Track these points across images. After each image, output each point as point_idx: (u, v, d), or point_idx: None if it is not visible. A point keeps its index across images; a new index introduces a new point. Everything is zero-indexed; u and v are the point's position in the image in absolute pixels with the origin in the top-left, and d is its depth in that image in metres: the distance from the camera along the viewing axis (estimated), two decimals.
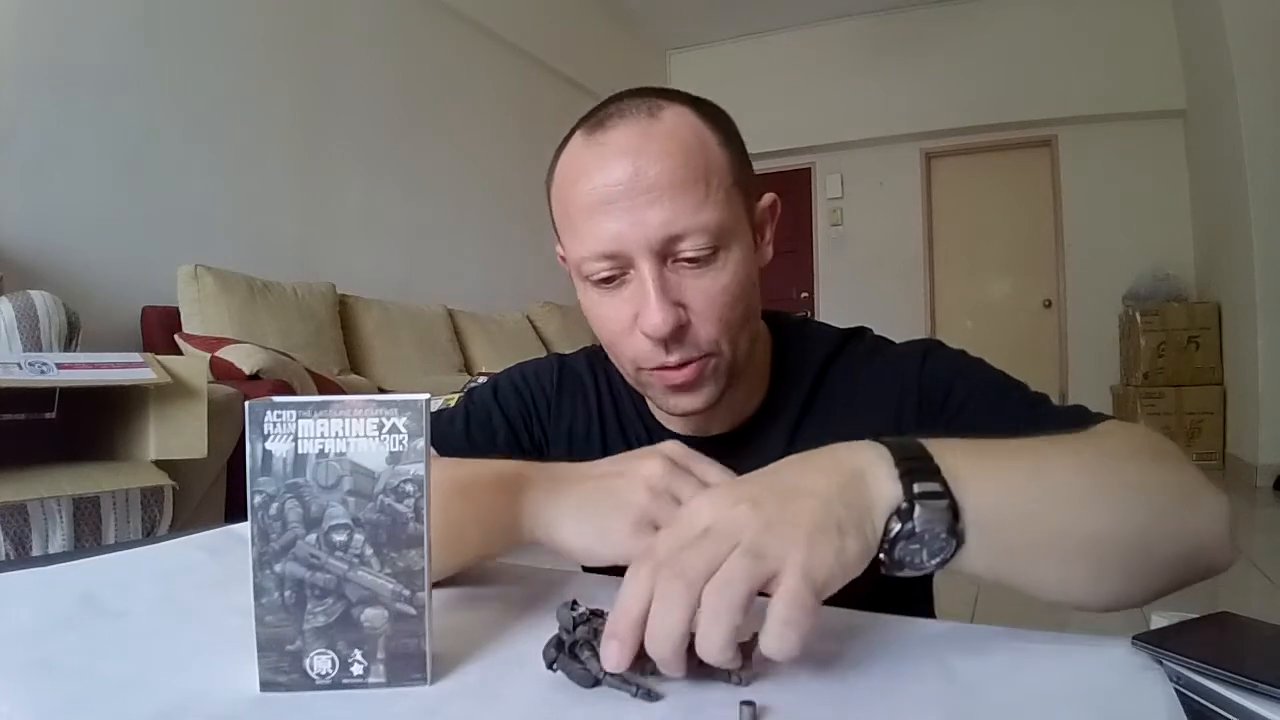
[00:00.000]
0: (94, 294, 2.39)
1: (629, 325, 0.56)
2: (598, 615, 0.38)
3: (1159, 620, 0.41)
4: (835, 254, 6.15)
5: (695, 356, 0.56)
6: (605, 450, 0.69)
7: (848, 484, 0.39)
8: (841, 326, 0.70)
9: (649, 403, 0.68)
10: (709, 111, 0.58)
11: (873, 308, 5.67)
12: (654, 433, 0.68)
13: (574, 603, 0.39)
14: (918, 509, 0.38)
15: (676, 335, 0.54)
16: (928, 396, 0.61)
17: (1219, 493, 0.46)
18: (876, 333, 0.70)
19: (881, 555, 0.38)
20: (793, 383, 0.66)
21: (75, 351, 1.73)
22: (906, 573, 0.39)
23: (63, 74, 2.42)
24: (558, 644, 0.38)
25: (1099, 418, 0.54)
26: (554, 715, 0.35)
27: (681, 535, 0.38)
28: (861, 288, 5.96)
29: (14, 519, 1.40)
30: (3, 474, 1.41)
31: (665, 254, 0.54)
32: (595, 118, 0.56)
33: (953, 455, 0.40)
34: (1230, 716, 0.33)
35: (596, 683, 0.37)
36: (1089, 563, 0.41)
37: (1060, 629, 0.44)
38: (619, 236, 0.53)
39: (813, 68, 5.94)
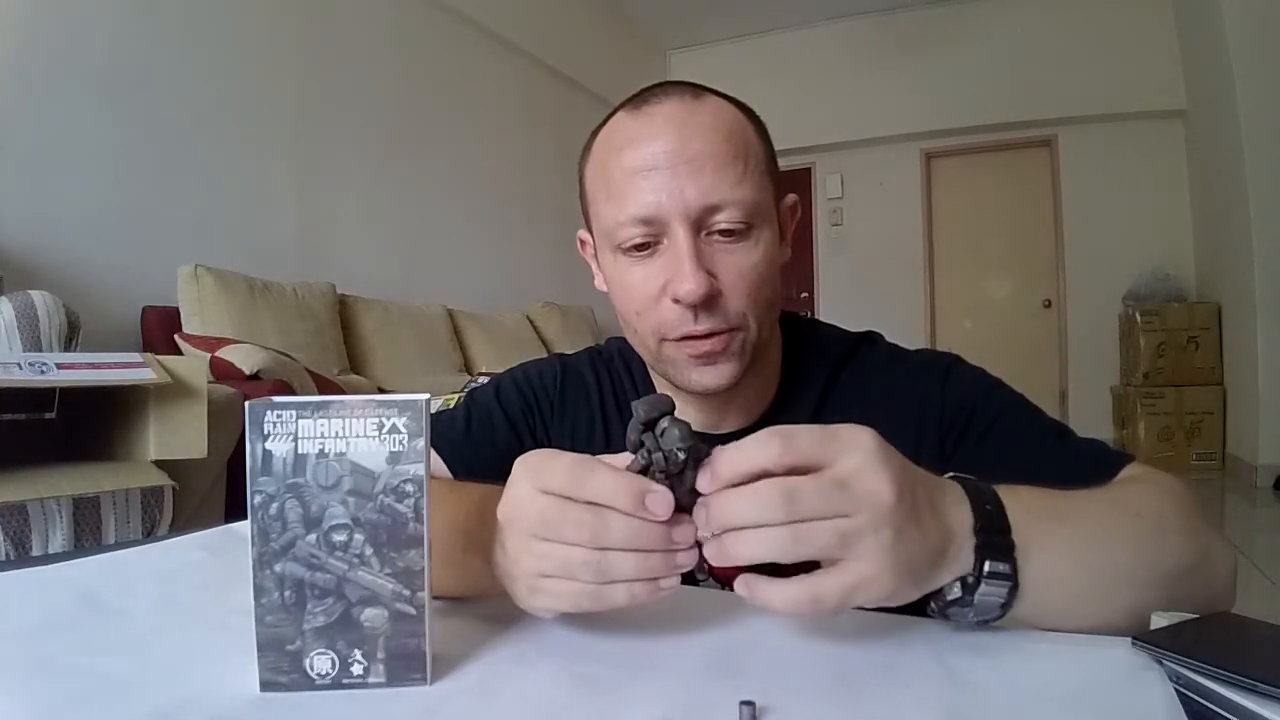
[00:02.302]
0: (94, 294, 2.38)
1: (658, 294, 0.57)
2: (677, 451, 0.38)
3: (1159, 620, 0.41)
4: (835, 254, 6.15)
5: (723, 328, 0.56)
6: (609, 451, 0.68)
7: (943, 547, 0.39)
8: (849, 329, 0.71)
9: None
10: (745, 108, 0.61)
11: (873, 308, 5.67)
12: None
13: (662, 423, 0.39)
14: (983, 586, 0.40)
15: (707, 304, 0.55)
16: (951, 416, 0.61)
17: (1227, 545, 0.50)
18: (886, 338, 0.70)
19: (932, 605, 0.41)
20: (805, 382, 0.66)
21: (75, 351, 1.73)
22: (945, 620, 0.42)
23: (63, 74, 2.42)
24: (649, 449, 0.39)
25: (1120, 458, 0.56)
26: (554, 715, 0.35)
27: (826, 458, 0.37)
28: (861, 288, 5.95)
29: (14, 519, 1.40)
30: (3, 474, 1.41)
31: (700, 224, 0.55)
32: (639, 97, 0.59)
33: (1028, 524, 0.41)
34: (1230, 716, 0.33)
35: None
36: (1118, 620, 0.43)
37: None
38: (658, 203, 0.54)
39: (812, 68, 5.93)
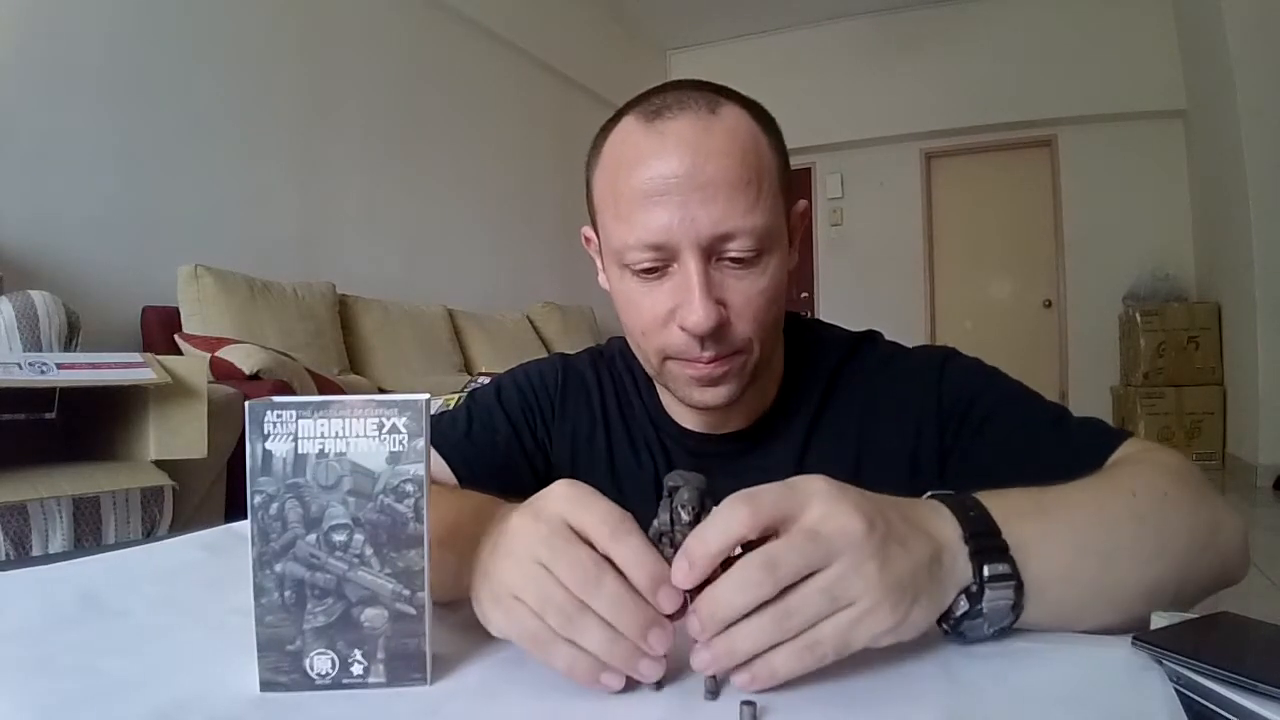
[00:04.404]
0: (94, 294, 2.38)
1: (665, 317, 0.56)
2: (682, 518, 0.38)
3: (1159, 620, 0.41)
4: (835, 254, 6.15)
5: (727, 353, 0.56)
6: (610, 452, 0.69)
7: (935, 557, 0.39)
8: (850, 329, 0.71)
9: (661, 401, 0.68)
10: (761, 114, 0.58)
11: (873, 308, 5.66)
12: (663, 433, 0.68)
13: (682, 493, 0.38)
14: (987, 592, 0.39)
15: (714, 333, 0.54)
16: (948, 408, 0.61)
17: (1235, 513, 0.49)
18: (886, 337, 0.70)
19: (945, 627, 0.40)
20: (806, 383, 0.66)
21: (75, 351, 1.73)
22: (962, 639, 0.41)
23: (63, 74, 2.42)
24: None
25: (1118, 435, 0.56)
26: (553, 715, 0.35)
27: (793, 510, 0.37)
28: (861, 288, 5.95)
29: (14, 519, 1.40)
30: (3, 474, 1.41)
31: (711, 252, 0.54)
32: (652, 104, 0.56)
33: (1019, 523, 0.41)
34: (1230, 716, 0.33)
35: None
36: (1136, 606, 0.43)
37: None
38: (669, 229, 0.53)
39: (812, 68, 5.93)
